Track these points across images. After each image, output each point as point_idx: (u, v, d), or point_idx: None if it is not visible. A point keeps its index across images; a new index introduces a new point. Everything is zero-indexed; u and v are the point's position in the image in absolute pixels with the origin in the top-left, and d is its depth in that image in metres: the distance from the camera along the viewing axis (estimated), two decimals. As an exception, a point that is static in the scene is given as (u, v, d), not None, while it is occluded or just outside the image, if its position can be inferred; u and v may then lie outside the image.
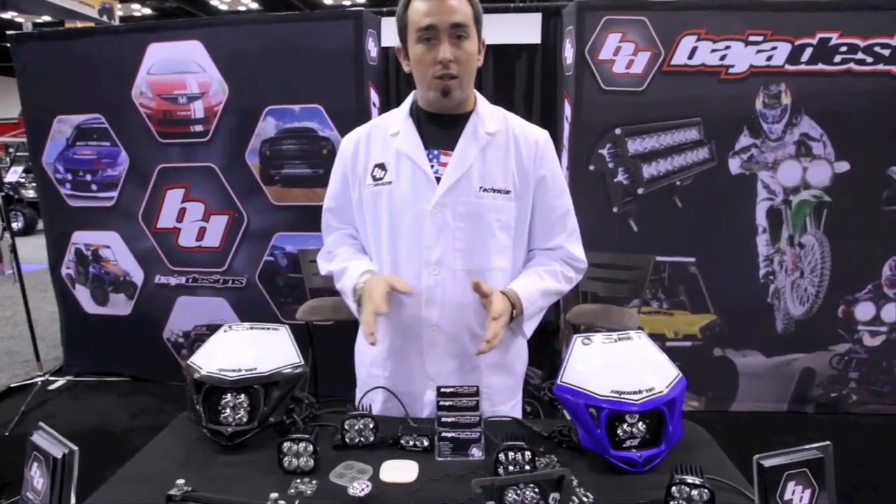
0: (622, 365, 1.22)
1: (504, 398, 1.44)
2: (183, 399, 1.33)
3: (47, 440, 0.84)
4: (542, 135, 1.38)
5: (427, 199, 1.33)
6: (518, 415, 1.49)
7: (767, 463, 0.84)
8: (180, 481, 1.01)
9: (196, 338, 3.81)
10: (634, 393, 1.17)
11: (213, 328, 1.37)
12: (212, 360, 1.30)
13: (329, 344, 3.01)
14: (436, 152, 1.35)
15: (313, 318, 3.03)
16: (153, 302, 3.84)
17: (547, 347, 3.52)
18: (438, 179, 1.33)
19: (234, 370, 1.26)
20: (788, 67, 3.00)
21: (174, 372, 3.96)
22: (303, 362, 1.29)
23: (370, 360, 1.45)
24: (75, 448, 0.82)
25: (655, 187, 3.16)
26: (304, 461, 1.15)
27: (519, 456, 1.11)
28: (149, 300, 3.85)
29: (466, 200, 1.33)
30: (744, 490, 1.05)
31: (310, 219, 3.59)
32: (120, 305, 3.91)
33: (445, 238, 1.34)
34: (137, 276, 3.85)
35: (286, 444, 1.15)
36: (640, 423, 1.16)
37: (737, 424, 3.17)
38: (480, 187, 1.33)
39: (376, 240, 1.41)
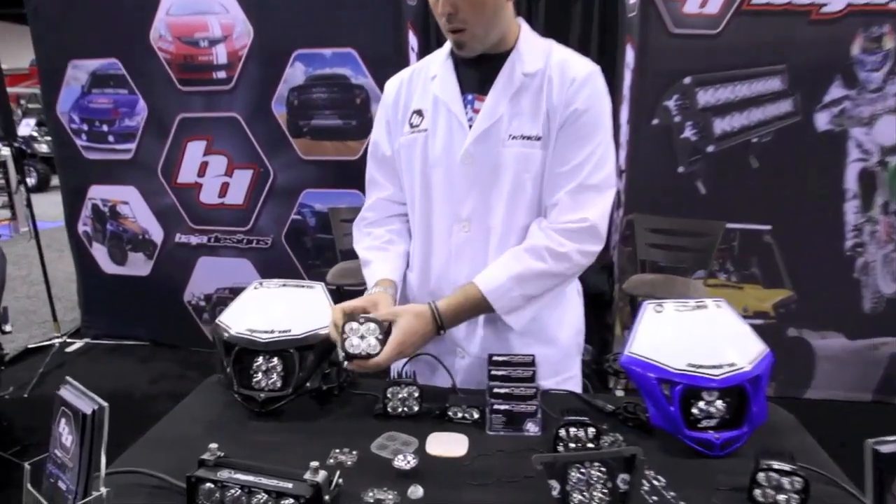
0: (699, 336, 1.19)
1: (545, 372, 1.37)
2: (206, 366, 1.34)
3: (75, 395, 0.84)
4: (583, 69, 1.30)
5: (459, 148, 1.34)
6: (565, 390, 1.47)
7: (885, 449, 0.79)
8: (213, 445, 1.02)
9: (218, 301, 3.88)
10: (713, 367, 1.13)
11: (236, 291, 1.38)
12: (242, 319, 1.30)
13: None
14: (471, 97, 1.35)
15: (344, 281, 3.04)
16: (173, 262, 3.91)
17: (598, 321, 3.49)
18: (472, 127, 1.33)
19: (266, 331, 1.26)
20: (894, 6, 2.84)
21: (196, 337, 4.13)
22: (340, 329, 1.28)
23: None
24: (105, 404, 0.82)
25: (728, 144, 3.07)
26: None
27: (581, 432, 1.09)
28: (169, 260, 3.92)
29: (496, 150, 1.32)
30: (842, 482, 1.01)
31: (341, 174, 3.60)
32: (139, 265, 3.99)
33: (475, 191, 1.34)
34: (157, 234, 3.91)
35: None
36: (719, 402, 1.12)
37: (812, 414, 3.06)
38: (510, 135, 1.31)
39: (411, 193, 1.43)
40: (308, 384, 1.26)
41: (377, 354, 1.19)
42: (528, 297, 1.31)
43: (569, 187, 1.29)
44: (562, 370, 1.44)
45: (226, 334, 1.28)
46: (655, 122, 3.09)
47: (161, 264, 3.94)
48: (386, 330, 1.20)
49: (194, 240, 3.85)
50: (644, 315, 1.24)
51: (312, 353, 1.26)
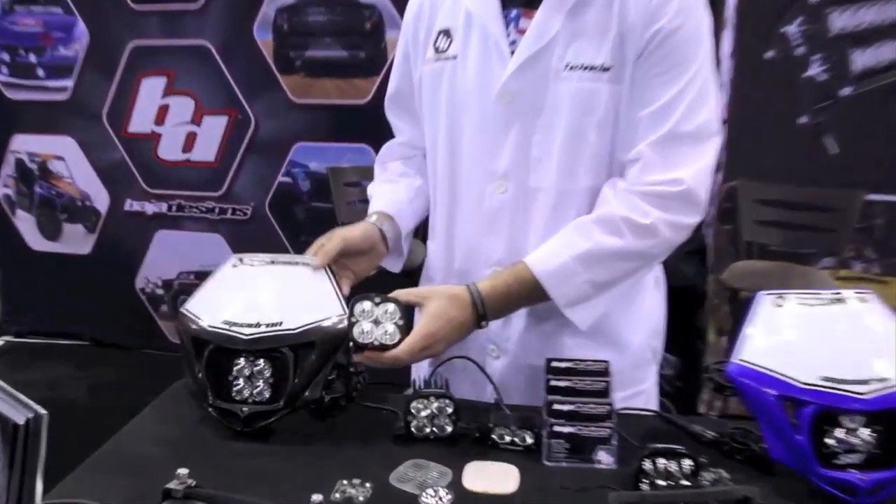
0: (837, 340, 1.16)
1: (613, 386, 1.36)
2: (164, 373, 1.36)
3: (3, 400, 0.84)
4: None
5: (496, 82, 1.34)
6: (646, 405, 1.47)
7: None
8: (182, 471, 1.02)
9: (181, 289, 3.92)
10: (858, 383, 1.10)
11: (204, 276, 1.39)
12: (217, 307, 1.30)
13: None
14: (515, 13, 1.35)
15: (349, 265, 3.05)
16: (123, 237, 3.95)
17: (684, 322, 3.46)
18: (515, 53, 1.34)
19: (249, 324, 1.26)
20: None
21: (151, 335, 4.14)
22: (348, 313, 1.28)
23: None
24: (43, 412, 0.81)
25: (870, 86, 3.02)
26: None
27: (674, 466, 1.08)
28: (117, 235, 3.96)
29: (546, 85, 1.32)
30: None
31: (345, 124, 3.57)
32: (77, 241, 4.04)
33: (517, 141, 1.35)
34: (101, 200, 3.95)
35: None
36: (866, 431, 1.09)
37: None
38: (567, 65, 1.31)
39: (433, 142, 1.46)
40: (306, 394, 1.26)
41: (396, 345, 1.22)
42: (598, 285, 1.31)
43: (654, 137, 1.29)
44: (629, 383, 1.44)
45: (194, 327, 1.28)
46: (770, 54, 3.05)
47: (106, 240, 3.99)
48: (407, 315, 1.24)
49: (150, 208, 3.88)
50: (759, 310, 1.22)
51: (312, 353, 1.25)
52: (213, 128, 3.71)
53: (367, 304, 1.23)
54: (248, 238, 3.76)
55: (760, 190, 3.09)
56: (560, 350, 1.38)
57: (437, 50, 1.41)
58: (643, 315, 1.46)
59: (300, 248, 3.94)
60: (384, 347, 1.24)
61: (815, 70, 3.05)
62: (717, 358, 1.23)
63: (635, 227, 1.28)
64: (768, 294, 1.24)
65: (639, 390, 1.45)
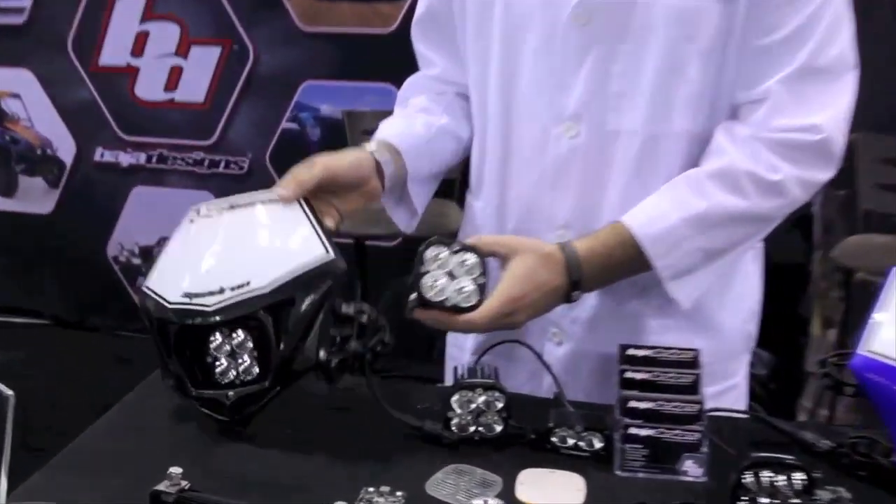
0: None
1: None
2: (143, 357, 1.37)
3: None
4: None
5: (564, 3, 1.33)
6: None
7: None
8: (175, 470, 1.03)
9: (162, 257, 3.93)
10: None
11: None
12: (176, 279, 1.30)
13: (398, 275, 3.00)
14: None
15: (370, 230, 3.03)
16: (92, 194, 3.98)
17: (782, 309, 3.44)
18: None
19: (211, 291, 1.25)
20: None
21: (126, 312, 4.10)
22: (332, 253, 1.27)
23: None
24: (9, 392, 0.82)
25: None
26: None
27: (782, 480, 1.07)
28: (85, 191, 3.99)
29: (634, 0, 1.29)
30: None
31: (365, 58, 3.54)
32: (36, 198, 4.08)
33: (593, 71, 1.34)
34: (66, 148, 3.98)
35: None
36: None
37: None
38: None
39: (481, 75, 1.46)
40: (300, 362, 1.25)
41: (474, 308, 1.23)
42: (710, 254, 1.31)
43: (785, 72, 1.28)
44: (720, 376, 1.45)
45: (151, 306, 1.28)
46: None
47: (72, 197, 4.03)
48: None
49: (126, 159, 3.91)
50: (892, 289, 1.20)
51: (297, 308, 1.25)
52: (203, 61, 3.71)
53: (442, 251, 1.22)
54: (244, 197, 3.76)
55: (884, 146, 3.05)
56: (640, 335, 1.40)
57: None
58: (739, 292, 1.47)
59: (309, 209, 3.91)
60: (457, 310, 1.23)
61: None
62: (822, 355, 1.21)
63: (761, 184, 1.29)
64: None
65: (730, 385, 1.47)
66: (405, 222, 1.55)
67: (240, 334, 1.25)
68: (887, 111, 3.09)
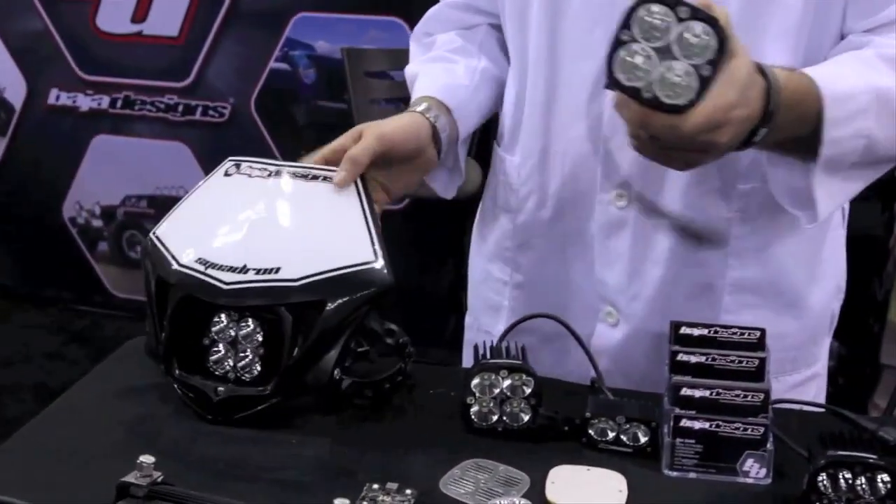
0: None
1: (783, 365, 1.40)
2: (103, 340, 1.35)
3: None
4: None
5: None
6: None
7: None
8: (146, 459, 1.02)
9: (128, 219, 3.94)
10: None
11: (163, 204, 1.39)
12: (192, 236, 1.31)
13: (404, 243, 3.11)
14: None
15: (371, 189, 3.05)
16: (46, 144, 3.99)
17: (853, 292, 3.44)
18: None
19: (233, 267, 1.26)
20: None
21: (84, 285, 4.09)
22: (380, 260, 1.27)
23: (489, 243, 1.60)
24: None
25: None
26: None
27: (863, 483, 1.08)
28: (37, 140, 4.00)
29: None
30: None
31: None
32: (-20, 146, 4.09)
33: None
34: (14, 89, 3.99)
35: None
36: None
37: None
38: None
39: (516, 8, 1.45)
40: (314, 374, 1.26)
41: (692, 105, 1.08)
42: (869, 150, 1.27)
43: None
44: (803, 362, 1.48)
45: (158, 264, 1.29)
46: None
47: (22, 147, 4.03)
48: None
49: (85, 102, 3.91)
50: None
51: (326, 314, 1.25)
52: (177, -11, 3.70)
53: (663, 14, 1.04)
54: (224, 148, 3.64)
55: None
56: (716, 313, 1.41)
57: None
58: (828, 264, 1.49)
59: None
60: (672, 108, 1.06)
61: None
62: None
63: None
64: None
65: (813, 373, 1.50)
66: (446, 187, 1.55)
67: (250, 324, 1.26)
68: None
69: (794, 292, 1.45)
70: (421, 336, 2.54)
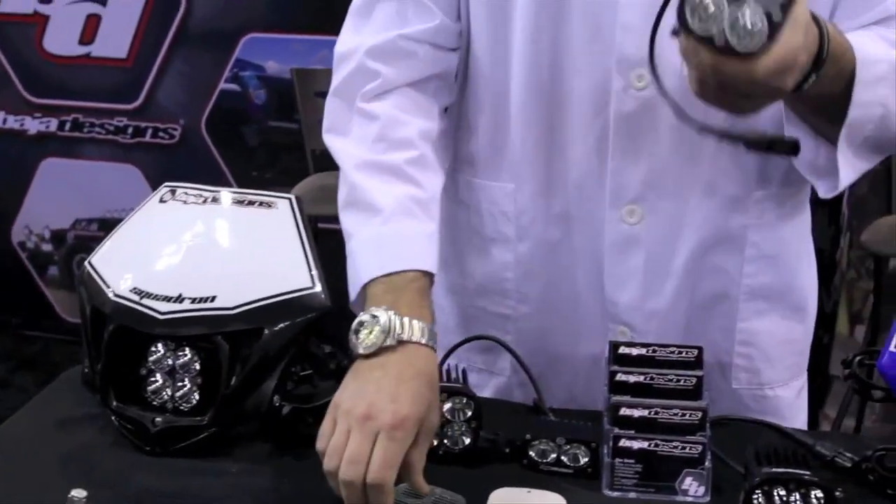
0: None
1: (783, 372, 1.47)
2: (50, 365, 1.34)
3: None
4: None
5: None
6: (803, 411, 1.51)
7: None
8: (78, 494, 1.02)
9: (77, 242, 3.93)
10: None
11: (114, 225, 1.38)
12: (127, 265, 1.30)
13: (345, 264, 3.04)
14: None
15: (320, 210, 3.02)
16: (-8, 166, 3.96)
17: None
18: None
19: (168, 297, 1.25)
20: None
21: (33, 309, 4.05)
22: (318, 286, 1.26)
23: (477, 278, 1.50)
24: None
25: None
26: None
27: (797, 498, 1.09)
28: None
29: None
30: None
31: (320, 4, 3.48)
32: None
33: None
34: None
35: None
36: None
37: None
38: None
39: (493, 27, 1.39)
40: (252, 401, 1.25)
41: (764, 49, 1.02)
42: (885, 119, 1.24)
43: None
44: (804, 367, 1.55)
45: (94, 293, 1.28)
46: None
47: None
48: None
49: (33, 125, 3.88)
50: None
51: (259, 344, 1.24)
52: (126, 8, 3.68)
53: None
54: (175, 170, 3.74)
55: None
56: (731, 321, 1.43)
57: None
58: (813, 272, 1.53)
59: (251, 186, 3.90)
60: (735, 52, 1.01)
61: None
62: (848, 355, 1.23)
63: None
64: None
65: (802, 385, 1.54)
66: None
67: (187, 353, 1.25)
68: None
69: (800, 296, 1.48)
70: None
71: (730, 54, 1.01)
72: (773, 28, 1.01)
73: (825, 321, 3.44)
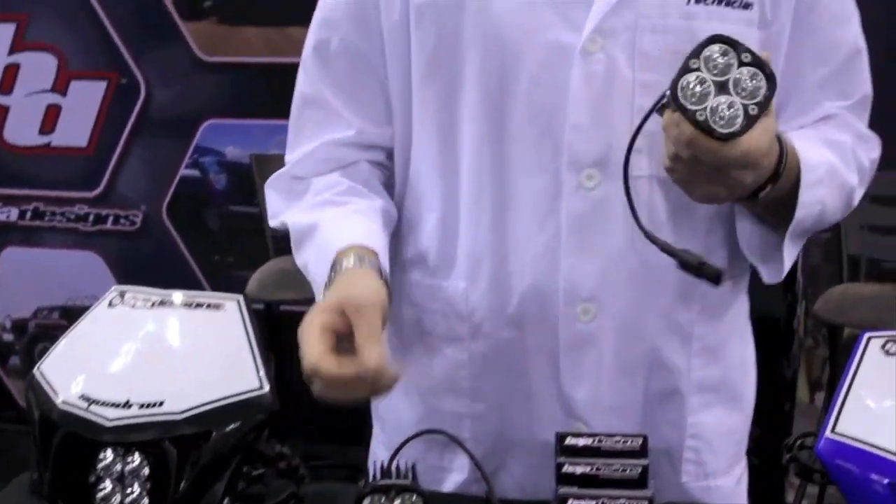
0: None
1: (725, 462, 1.46)
2: (13, 456, 1.33)
3: None
4: None
5: (573, 22, 1.32)
6: (744, 498, 1.50)
7: None
8: None
9: (39, 331, 3.89)
10: None
11: (76, 314, 1.37)
12: (75, 371, 1.29)
13: None
14: None
15: (282, 295, 3.05)
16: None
17: (765, 372, 3.47)
18: None
19: (115, 403, 1.24)
20: None
21: None
22: (265, 387, 1.27)
23: (432, 378, 1.48)
24: None
25: None
26: None
27: None
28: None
29: (662, 24, 1.32)
30: None
31: (276, 91, 3.49)
32: None
33: (616, 109, 1.34)
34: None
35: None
36: None
37: None
38: None
39: (440, 121, 1.41)
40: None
41: (736, 136, 1.12)
42: (822, 216, 1.35)
43: (852, 101, 1.44)
44: (737, 459, 1.53)
45: (42, 401, 1.26)
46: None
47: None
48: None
49: (-5, 214, 3.87)
50: (864, 360, 1.22)
51: (208, 447, 1.24)
52: (86, 98, 3.70)
53: (727, 55, 1.12)
54: (137, 257, 3.75)
55: (873, 181, 3.08)
56: (682, 416, 1.44)
57: None
58: (749, 353, 1.54)
59: (214, 273, 3.90)
60: (712, 131, 1.10)
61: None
62: (812, 423, 1.23)
63: (858, 165, 1.41)
64: (877, 335, 1.24)
65: (741, 473, 1.53)
66: None
67: (136, 458, 1.23)
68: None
69: (741, 385, 1.50)
70: (343, 439, 2.54)
71: (706, 133, 1.10)
72: (748, 122, 1.11)
73: (786, 389, 3.44)
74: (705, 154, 1.12)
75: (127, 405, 1.23)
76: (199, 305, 1.34)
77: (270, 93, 3.52)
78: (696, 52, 1.13)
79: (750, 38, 1.30)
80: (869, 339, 1.24)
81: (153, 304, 1.35)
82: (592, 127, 1.33)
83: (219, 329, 1.32)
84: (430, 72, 1.39)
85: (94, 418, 1.23)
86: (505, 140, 1.36)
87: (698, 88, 1.12)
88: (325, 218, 1.40)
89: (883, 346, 1.23)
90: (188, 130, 3.65)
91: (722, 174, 1.16)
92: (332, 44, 1.45)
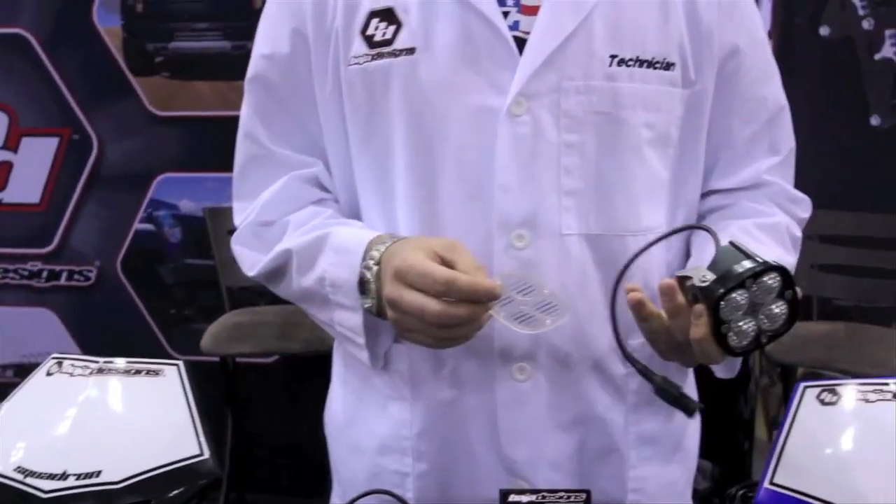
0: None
1: None
2: None
3: None
4: None
5: (498, 85, 1.34)
6: None
7: None
8: None
9: (-6, 391, 3.86)
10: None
11: (27, 370, 1.35)
12: (11, 442, 1.27)
13: (267, 401, 3.05)
14: None
15: (238, 348, 3.06)
16: None
17: (724, 414, 3.48)
18: (521, 42, 1.33)
19: (52, 474, 1.23)
20: None
21: None
22: (205, 452, 1.26)
23: (379, 436, 1.48)
24: None
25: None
26: None
27: None
28: None
29: (586, 86, 1.34)
30: None
31: (228, 144, 3.51)
32: None
33: (543, 169, 1.35)
34: None
35: None
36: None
37: None
38: (614, 57, 1.35)
39: (378, 185, 1.42)
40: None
41: (741, 350, 1.19)
42: None
43: (776, 159, 1.49)
44: None
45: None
46: (825, 31, 3.10)
47: None
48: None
49: (-54, 272, 3.85)
50: (801, 409, 1.23)
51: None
52: (38, 154, 3.69)
53: (738, 297, 1.15)
54: (91, 312, 3.73)
55: (821, 221, 3.09)
56: (623, 471, 1.45)
57: (369, 42, 1.36)
58: (696, 418, 1.54)
59: (169, 329, 3.87)
60: (723, 343, 1.16)
61: (890, 51, 3.11)
62: (764, 473, 1.24)
63: (793, 240, 1.48)
64: (812, 385, 1.24)
65: None
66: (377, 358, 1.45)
67: None
68: (821, 185, 3.18)
69: (681, 436, 1.50)
70: (306, 491, 2.51)
71: (717, 338, 1.16)
72: (756, 346, 1.19)
73: (744, 427, 3.47)
74: (702, 350, 1.18)
75: (63, 476, 1.22)
76: (138, 372, 1.34)
77: (223, 146, 3.46)
78: (758, 274, 1.15)
79: (673, 98, 1.37)
80: (805, 388, 1.25)
81: (91, 372, 1.34)
82: (520, 188, 1.34)
83: (159, 396, 1.31)
84: (365, 137, 1.41)
85: (30, 490, 1.21)
86: (438, 201, 1.37)
87: (746, 328, 1.16)
88: (334, 228, 1.40)
89: (818, 396, 1.24)
90: (142, 185, 3.65)
91: (703, 360, 1.25)
92: (266, 92, 1.52)
